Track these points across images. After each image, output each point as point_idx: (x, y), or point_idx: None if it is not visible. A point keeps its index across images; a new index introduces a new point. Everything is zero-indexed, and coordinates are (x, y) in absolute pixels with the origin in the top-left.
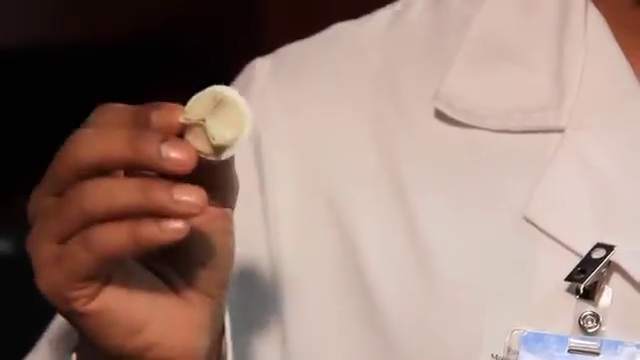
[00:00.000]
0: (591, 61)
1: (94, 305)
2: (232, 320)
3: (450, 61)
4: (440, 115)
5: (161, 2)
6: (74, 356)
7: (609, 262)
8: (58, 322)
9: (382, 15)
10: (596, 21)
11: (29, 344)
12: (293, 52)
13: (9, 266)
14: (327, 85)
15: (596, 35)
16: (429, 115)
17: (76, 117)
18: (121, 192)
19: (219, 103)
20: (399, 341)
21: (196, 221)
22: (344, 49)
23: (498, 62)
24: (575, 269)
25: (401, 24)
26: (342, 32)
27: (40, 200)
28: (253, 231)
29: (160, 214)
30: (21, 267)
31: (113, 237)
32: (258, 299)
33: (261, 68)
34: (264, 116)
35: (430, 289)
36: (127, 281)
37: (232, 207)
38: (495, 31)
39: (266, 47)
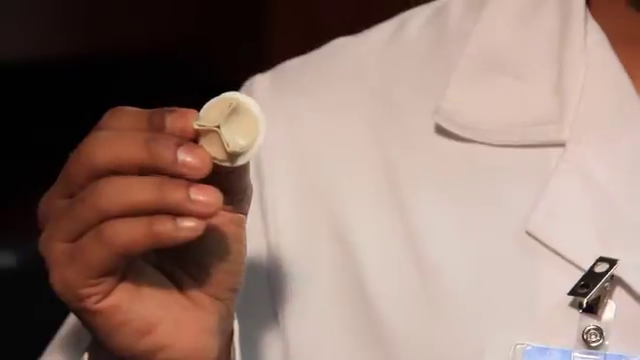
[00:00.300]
0: (591, 74)
1: (106, 303)
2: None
3: (449, 76)
4: (440, 130)
5: (168, 19)
6: (86, 356)
7: (612, 276)
8: (69, 323)
9: (381, 30)
10: (596, 34)
11: (31, 357)
12: (292, 68)
13: (10, 280)
14: (326, 100)
15: (596, 48)
16: (429, 130)
17: (81, 132)
18: (137, 189)
19: (233, 110)
20: (400, 355)
21: (210, 224)
22: (343, 64)
23: (497, 76)
24: (578, 283)
25: (400, 39)
26: (341, 47)
27: (52, 202)
28: (253, 242)
29: (176, 212)
30: (22, 280)
31: (128, 231)
32: (258, 310)
33: (260, 84)
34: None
35: (432, 303)
36: (139, 282)
37: (245, 214)
38: (494, 45)
39: (274, 64)
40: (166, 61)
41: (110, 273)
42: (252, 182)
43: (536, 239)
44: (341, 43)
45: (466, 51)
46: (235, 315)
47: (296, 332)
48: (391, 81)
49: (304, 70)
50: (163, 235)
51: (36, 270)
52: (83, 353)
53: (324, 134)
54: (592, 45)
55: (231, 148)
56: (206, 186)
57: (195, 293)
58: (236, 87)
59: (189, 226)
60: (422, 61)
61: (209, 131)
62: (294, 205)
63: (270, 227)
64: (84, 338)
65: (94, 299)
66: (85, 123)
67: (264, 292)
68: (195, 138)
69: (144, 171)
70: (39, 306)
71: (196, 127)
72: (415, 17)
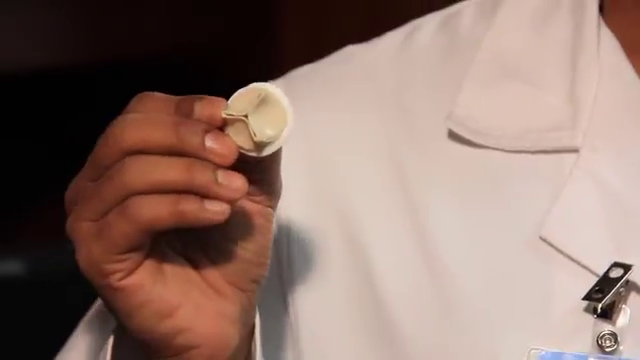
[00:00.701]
0: (604, 81)
1: (129, 281)
2: None
3: (462, 81)
4: (453, 135)
5: (175, 26)
6: (111, 339)
7: (627, 281)
8: (97, 306)
9: (393, 37)
10: (609, 40)
11: None
12: (304, 75)
13: (20, 288)
14: (338, 106)
15: (609, 55)
16: (442, 135)
17: (90, 141)
18: (165, 167)
19: (262, 101)
20: (411, 357)
21: (236, 212)
22: (355, 71)
23: (510, 82)
24: (593, 288)
25: (412, 45)
26: (353, 54)
27: (79, 186)
28: None
29: (202, 194)
30: (32, 289)
31: (153, 207)
32: (269, 313)
33: None
34: None
35: (444, 307)
36: (162, 265)
37: (273, 208)
38: (506, 51)
39: (284, 70)
40: (171, 68)
41: (134, 249)
42: None
43: (550, 244)
44: (352, 50)
45: (478, 57)
46: (257, 308)
47: (307, 330)
48: (403, 86)
49: (315, 75)
50: (188, 214)
51: (46, 279)
52: (109, 335)
53: (336, 136)
54: (605, 52)
55: (258, 138)
56: (233, 172)
57: (217, 281)
58: None
59: (215, 209)
60: (434, 67)
61: (237, 120)
62: (306, 205)
63: (282, 226)
64: (111, 320)
65: (118, 276)
66: (98, 133)
67: (276, 287)
68: (222, 127)
69: (171, 155)
70: (49, 314)
71: (224, 115)
72: (426, 23)
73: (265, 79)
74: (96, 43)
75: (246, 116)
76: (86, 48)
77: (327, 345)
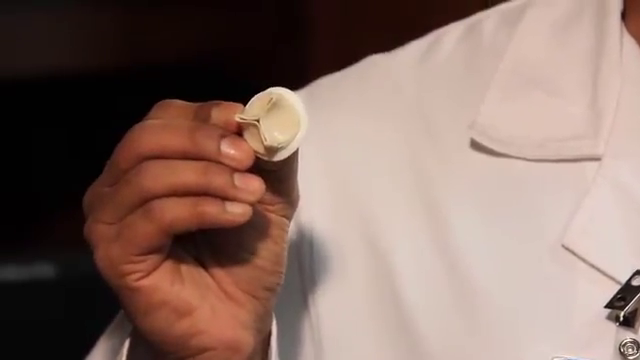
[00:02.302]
0: (627, 88)
1: (147, 281)
2: None
3: (485, 91)
4: (475, 144)
5: (204, 27)
6: (127, 341)
7: None
8: (118, 319)
9: (416, 46)
10: (631, 48)
11: None
12: (327, 85)
13: (49, 290)
14: (361, 116)
15: (631, 62)
16: (464, 144)
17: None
18: (182, 170)
19: (274, 104)
20: None
21: (251, 223)
22: (378, 78)
23: (532, 91)
24: (615, 296)
25: (434, 55)
26: (376, 64)
27: (97, 190)
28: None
29: (220, 197)
30: (60, 292)
31: (175, 209)
32: (289, 308)
33: None
34: None
35: (467, 315)
36: (179, 267)
37: (289, 218)
38: (529, 60)
39: (310, 75)
40: (200, 70)
41: (154, 251)
42: None
43: (572, 253)
44: (375, 59)
45: (501, 66)
46: (274, 316)
47: (328, 334)
48: (426, 96)
49: (339, 86)
50: (209, 215)
51: (75, 281)
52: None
53: (359, 144)
54: (628, 59)
55: (268, 142)
56: (249, 174)
57: (231, 288)
58: None
59: (237, 211)
60: (457, 76)
61: (251, 125)
62: (329, 212)
63: (305, 232)
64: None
65: (135, 276)
66: (122, 137)
67: (297, 293)
68: (240, 131)
69: (188, 160)
70: (78, 317)
71: (237, 120)
72: (449, 33)
73: (293, 81)
74: (124, 47)
75: (258, 120)
76: (115, 52)
77: (348, 348)
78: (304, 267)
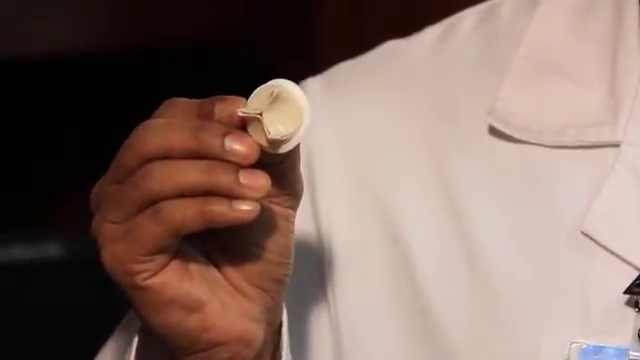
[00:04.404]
0: None
1: (155, 280)
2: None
3: (502, 77)
4: (494, 131)
5: (212, 9)
6: (136, 337)
7: None
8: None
9: (432, 32)
10: None
11: (80, 347)
12: (344, 71)
13: (59, 271)
14: (378, 103)
15: None
16: (482, 130)
17: (129, 125)
18: (187, 171)
19: (277, 97)
20: (454, 352)
21: (257, 216)
22: (394, 65)
23: (551, 77)
24: (634, 282)
25: (451, 40)
26: (392, 49)
27: (104, 188)
28: (305, 238)
29: (227, 195)
30: (70, 272)
31: (184, 210)
32: (309, 301)
33: (312, 86)
34: (316, 132)
35: (486, 302)
36: (188, 264)
37: (294, 209)
38: (546, 46)
39: (321, 56)
40: (208, 53)
41: (162, 251)
42: (304, 181)
43: (591, 239)
44: (392, 46)
45: (518, 52)
46: (284, 308)
47: (348, 326)
48: (443, 82)
49: (356, 72)
50: (217, 214)
51: (84, 261)
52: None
53: (376, 132)
54: None
55: (271, 135)
56: (255, 170)
57: (239, 282)
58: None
59: (244, 208)
60: (474, 62)
61: (254, 119)
62: (348, 203)
63: (323, 224)
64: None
65: (144, 275)
66: (133, 117)
67: (316, 285)
68: (243, 125)
69: (194, 158)
70: (87, 297)
71: (240, 114)
72: (465, 19)
73: (303, 65)
74: (135, 27)
75: (261, 114)
76: (126, 32)
77: (368, 341)
78: (323, 259)
